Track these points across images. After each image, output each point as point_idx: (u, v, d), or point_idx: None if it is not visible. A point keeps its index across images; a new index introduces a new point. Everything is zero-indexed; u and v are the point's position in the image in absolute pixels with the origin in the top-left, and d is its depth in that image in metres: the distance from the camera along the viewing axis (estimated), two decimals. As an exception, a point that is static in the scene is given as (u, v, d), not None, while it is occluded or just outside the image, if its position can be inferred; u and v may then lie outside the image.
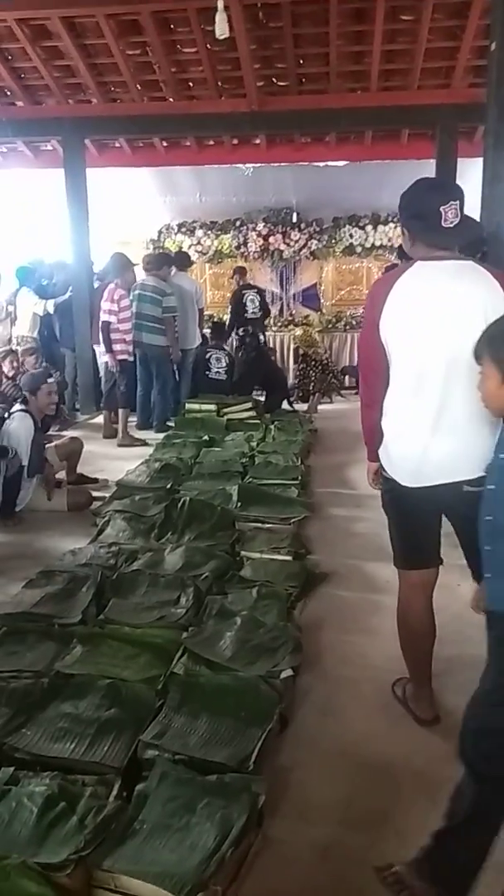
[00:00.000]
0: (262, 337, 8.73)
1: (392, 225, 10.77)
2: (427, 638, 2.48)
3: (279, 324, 10.77)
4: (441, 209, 2.19)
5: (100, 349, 7.08)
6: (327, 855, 1.92)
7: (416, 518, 2.39)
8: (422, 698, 2.51)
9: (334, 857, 1.91)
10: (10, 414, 4.64)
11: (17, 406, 4.73)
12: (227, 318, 9.37)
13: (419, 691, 2.52)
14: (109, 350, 6.74)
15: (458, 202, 2.21)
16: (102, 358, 7.04)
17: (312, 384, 9.20)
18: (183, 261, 8.15)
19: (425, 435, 2.22)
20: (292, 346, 10.02)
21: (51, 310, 8.00)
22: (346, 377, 9.64)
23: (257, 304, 9.10)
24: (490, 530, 1.66)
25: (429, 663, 2.51)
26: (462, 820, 1.65)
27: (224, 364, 7.96)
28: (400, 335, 2.25)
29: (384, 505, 2.51)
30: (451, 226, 2.20)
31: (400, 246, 2.68)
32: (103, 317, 6.70)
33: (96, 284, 7.76)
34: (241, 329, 8.66)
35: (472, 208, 4.27)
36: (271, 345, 9.80)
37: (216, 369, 7.92)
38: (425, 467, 2.23)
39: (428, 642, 2.48)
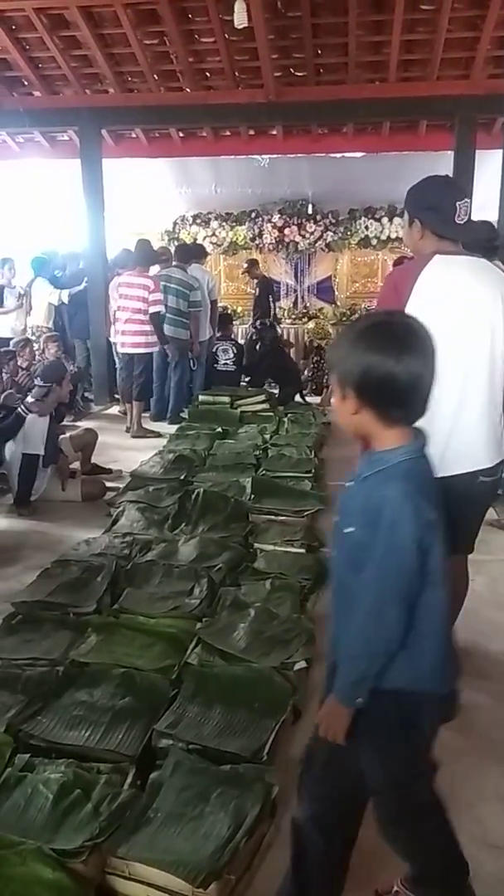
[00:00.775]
0: (278, 329, 8.74)
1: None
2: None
3: (293, 316, 10.75)
4: (457, 204, 2.26)
5: (119, 339, 6.95)
6: (340, 846, 1.92)
7: None
8: None
9: (347, 849, 1.91)
10: (27, 406, 4.65)
11: (32, 398, 4.74)
12: (231, 309, 9.49)
13: None
14: (165, 342, 6.72)
15: (469, 201, 2.30)
16: (131, 349, 6.78)
17: (326, 377, 9.16)
18: (199, 253, 8.15)
19: (447, 425, 2.21)
20: (306, 339, 10.03)
21: (65, 300, 8.03)
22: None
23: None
24: (334, 584, 1.53)
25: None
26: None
27: (231, 355, 7.96)
28: (432, 323, 2.24)
29: None
30: (462, 222, 2.28)
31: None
32: (154, 308, 6.54)
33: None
34: (259, 322, 8.66)
35: (491, 199, 4.24)
36: (286, 337, 9.80)
37: (224, 361, 7.93)
38: (446, 457, 2.19)
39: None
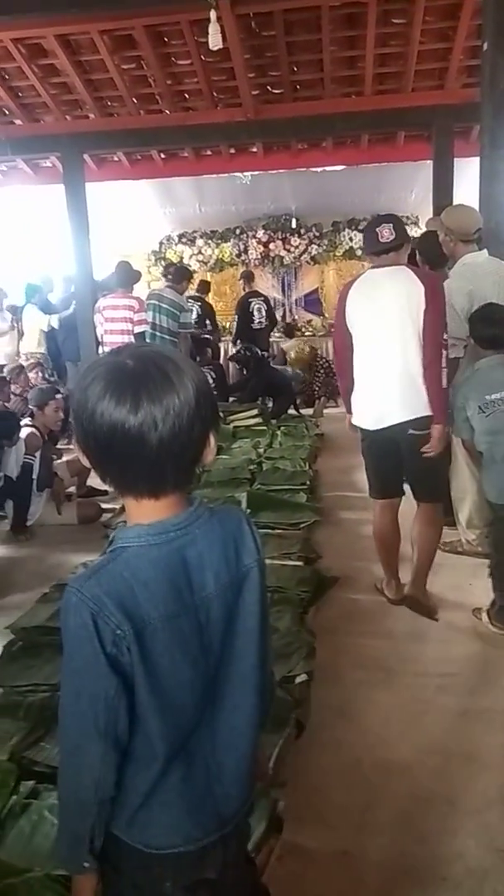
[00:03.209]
0: (259, 351, 8.53)
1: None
2: (393, 542, 3.37)
3: (280, 330, 10.78)
4: (377, 230, 3.05)
5: None
6: (347, 859, 1.93)
7: (381, 457, 3.25)
8: (391, 585, 3.41)
9: (354, 861, 1.92)
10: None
11: (25, 421, 4.77)
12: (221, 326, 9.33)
13: (390, 580, 3.41)
14: None
15: (391, 224, 3.04)
16: None
17: (317, 388, 9.21)
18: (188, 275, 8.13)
19: (380, 389, 3.12)
20: (304, 350, 9.94)
21: (55, 325, 8.07)
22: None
23: (264, 313, 8.84)
24: None
25: (396, 560, 3.40)
26: None
27: (210, 382, 7.95)
28: (358, 320, 3.15)
29: (362, 451, 3.34)
30: (387, 240, 3.04)
31: (412, 250, 3.69)
32: (140, 328, 6.50)
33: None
34: (240, 345, 8.59)
35: (471, 204, 4.33)
36: (275, 351, 9.79)
37: None
38: (379, 414, 3.13)
39: (394, 545, 3.37)
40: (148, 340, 6.77)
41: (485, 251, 3.74)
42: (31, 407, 4.88)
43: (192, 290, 8.32)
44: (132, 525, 1.06)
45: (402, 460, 3.21)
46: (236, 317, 8.96)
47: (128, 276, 6.85)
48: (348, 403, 3.33)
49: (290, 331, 10.32)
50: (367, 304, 3.11)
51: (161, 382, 0.97)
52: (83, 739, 1.01)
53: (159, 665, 1.02)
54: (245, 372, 8.37)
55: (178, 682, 1.04)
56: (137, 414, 0.96)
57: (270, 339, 9.40)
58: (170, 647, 1.02)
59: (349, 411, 3.34)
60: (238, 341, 8.77)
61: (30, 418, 4.81)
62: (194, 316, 7.53)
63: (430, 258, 4.25)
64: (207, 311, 9.15)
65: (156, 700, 1.02)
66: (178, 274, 7.40)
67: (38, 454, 4.64)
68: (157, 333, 6.87)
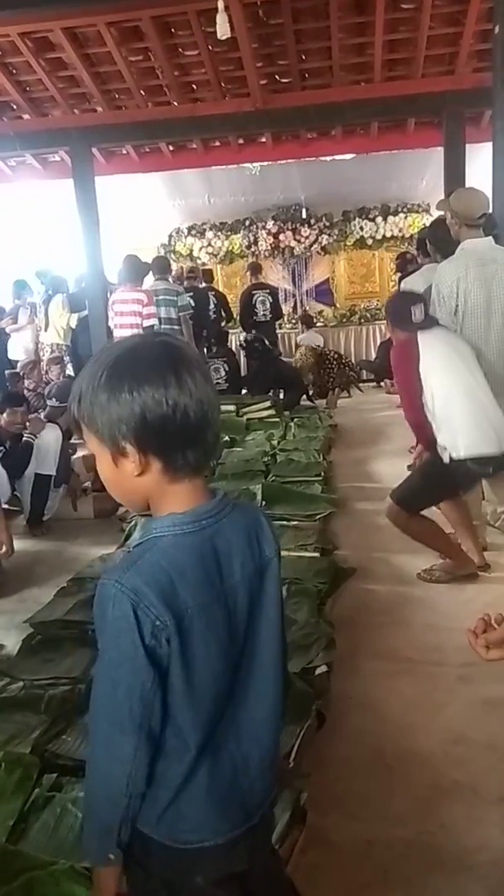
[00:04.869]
0: (267, 342, 8.44)
1: (402, 215, 10.73)
2: (439, 527, 3.47)
3: (293, 321, 10.73)
4: (411, 308, 3.30)
5: None
6: (371, 849, 1.92)
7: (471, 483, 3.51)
8: (465, 558, 3.43)
9: (379, 851, 1.91)
10: (33, 433, 4.67)
11: (43, 416, 4.77)
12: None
13: (459, 557, 3.43)
14: None
15: (421, 304, 3.33)
16: None
17: (331, 379, 9.17)
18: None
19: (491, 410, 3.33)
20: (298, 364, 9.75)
21: (73, 325, 8.08)
22: (364, 372, 9.54)
23: (268, 305, 8.62)
24: None
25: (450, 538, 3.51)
26: None
27: (223, 374, 8.00)
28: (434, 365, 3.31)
29: (444, 478, 3.34)
30: (419, 321, 3.32)
31: (420, 238, 4.03)
32: (149, 321, 6.58)
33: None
34: (246, 335, 8.55)
35: (484, 190, 4.29)
36: (285, 343, 9.75)
37: (216, 379, 7.96)
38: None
39: (441, 529, 3.48)
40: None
41: (490, 238, 3.63)
42: (56, 403, 4.87)
43: (203, 283, 8.32)
44: (164, 514, 1.05)
45: None
46: (239, 308, 8.90)
47: (136, 269, 6.87)
48: (435, 444, 3.31)
49: (308, 320, 10.24)
50: (441, 347, 3.31)
51: (192, 360, 1.02)
52: (116, 732, 1.00)
53: (195, 655, 1.01)
54: (252, 361, 8.35)
55: (211, 673, 1.03)
56: (184, 391, 0.99)
57: (282, 332, 9.35)
58: (205, 635, 1.02)
59: (445, 449, 3.27)
60: (245, 338, 8.74)
61: (50, 414, 4.80)
62: (212, 306, 7.56)
63: (439, 247, 4.22)
64: (221, 302, 9.06)
65: (190, 691, 1.01)
66: (158, 266, 7.45)
67: (41, 434, 4.62)
68: (163, 326, 6.96)
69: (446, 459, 3.24)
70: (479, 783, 2.13)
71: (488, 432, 3.19)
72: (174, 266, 9.32)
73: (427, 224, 5.59)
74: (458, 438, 3.20)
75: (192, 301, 7.55)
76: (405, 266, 6.77)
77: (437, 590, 3.40)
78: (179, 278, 8.58)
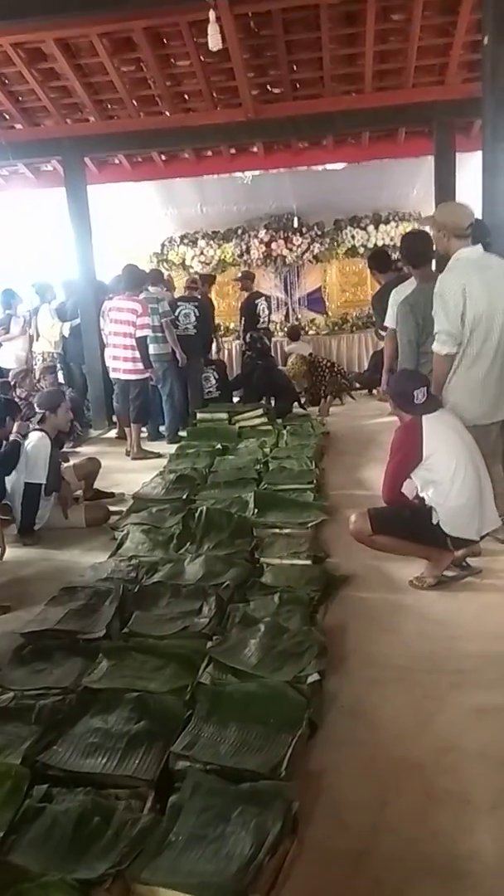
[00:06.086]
0: (267, 342, 8.72)
1: (393, 224, 10.79)
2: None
3: (284, 329, 10.75)
4: (414, 392, 3.45)
5: (112, 365, 6.99)
6: (363, 858, 1.91)
7: None
8: (438, 554, 3.47)
9: (371, 860, 1.90)
10: (25, 435, 4.66)
11: (33, 425, 4.76)
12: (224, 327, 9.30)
13: (432, 555, 3.49)
14: (149, 366, 6.73)
15: (425, 388, 3.48)
16: (125, 375, 6.80)
17: (323, 387, 9.18)
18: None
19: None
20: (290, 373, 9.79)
21: (66, 333, 8.07)
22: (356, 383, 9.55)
23: (268, 312, 9.01)
24: None
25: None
26: None
27: (213, 382, 8.05)
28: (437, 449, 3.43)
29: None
30: (420, 402, 3.46)
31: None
32: (142, 332, 6.61)
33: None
34: (251, 333, 8.66)
35: (474, 200, 4.33)
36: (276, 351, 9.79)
37: (207, 388, 8.00)
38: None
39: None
40: (150, 344, 6.82)
41: (479, 246, 3.68)
42: (38, 410, 4.86)
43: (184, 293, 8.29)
44: None
45: None
46: (243, 318, 8.94)
47: (134, 278, 6.87)
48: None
49: (295, 333, 10.27)
50: (445, 431, 3.44)
51: None
52: None
53: None
54: (247, 359, 8.40)
55: None
56: None
57: (275, 340, 9.43)
58: None
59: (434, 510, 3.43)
60: (249, 335, 8.78)
61: (39, 422, 4.78)
62: (193, 319, 7.57)
63: (410, 259, 4.45)
64: (205, 310, 9.09)
65: None
66: (154, 278, 7.52)
67: (31, 443, 4.61)
68: (159, 335, 7.02)
69: (434, 520, 3.39)
70: (470, 792, 2.12)
71: (473, 522, 3.40)
72: (165, 273, 9.31)
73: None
74: (449, 518, 3.37)
75: (196, 311, 7.56)
76: (387, 263, 6.10)
77: (429, 597, 3.41)
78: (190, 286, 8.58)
